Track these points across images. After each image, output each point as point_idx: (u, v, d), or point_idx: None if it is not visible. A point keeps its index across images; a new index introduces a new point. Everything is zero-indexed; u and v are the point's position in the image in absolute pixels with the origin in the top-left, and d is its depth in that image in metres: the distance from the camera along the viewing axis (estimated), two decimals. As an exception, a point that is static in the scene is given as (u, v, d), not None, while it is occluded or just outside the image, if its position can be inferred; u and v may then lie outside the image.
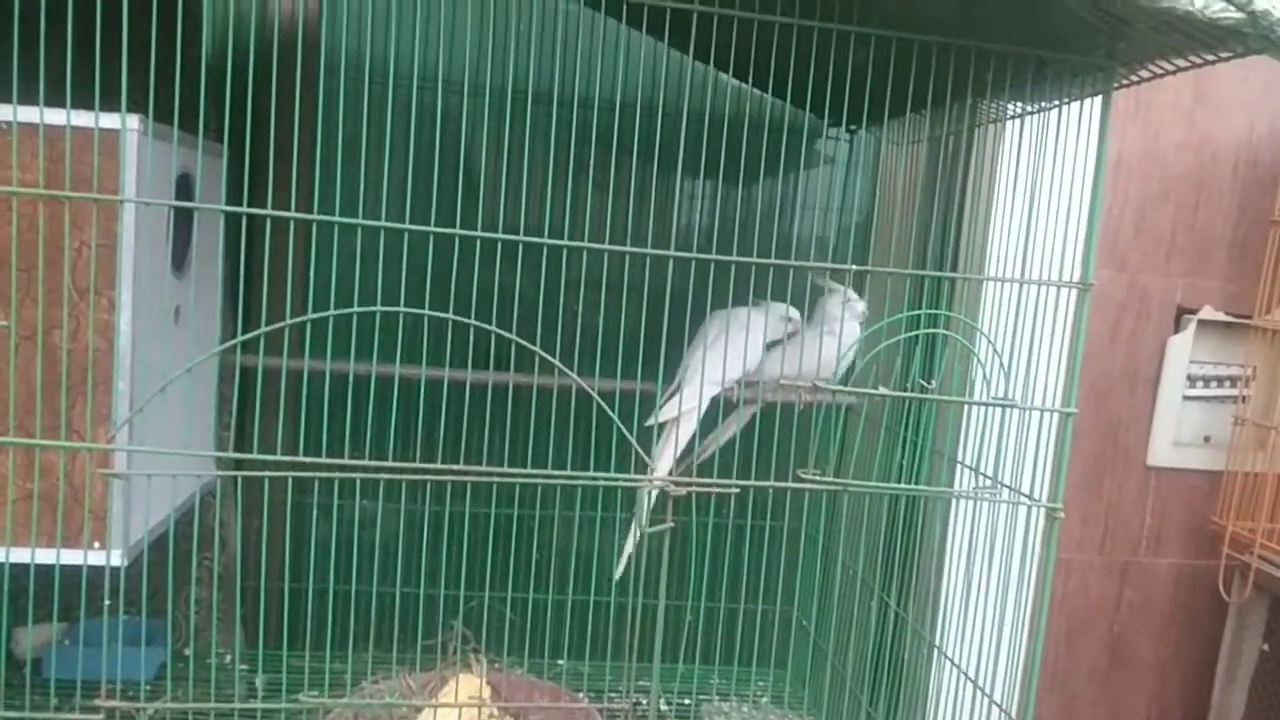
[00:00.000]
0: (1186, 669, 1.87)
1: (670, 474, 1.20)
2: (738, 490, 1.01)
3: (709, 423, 1.35)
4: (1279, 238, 1.67)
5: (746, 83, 1.46)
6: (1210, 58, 0.93)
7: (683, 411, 1.22)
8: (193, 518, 1.25)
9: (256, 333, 0.84)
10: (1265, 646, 1.75)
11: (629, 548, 1.23)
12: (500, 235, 0.91)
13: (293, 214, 0.87)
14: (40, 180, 0.90)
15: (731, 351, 1.20)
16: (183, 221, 1.09)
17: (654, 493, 1.01)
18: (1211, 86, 1.72)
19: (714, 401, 1.31)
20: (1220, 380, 1.81)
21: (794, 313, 1.34)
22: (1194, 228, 1.75)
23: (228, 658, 1.40)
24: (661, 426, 1.26)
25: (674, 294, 1.40)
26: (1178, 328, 1.77)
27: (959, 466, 1.23)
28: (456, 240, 0.93)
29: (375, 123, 1.28)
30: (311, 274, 0.93)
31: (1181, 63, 0.96)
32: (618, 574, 1.21)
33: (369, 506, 1.50)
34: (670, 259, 1.01)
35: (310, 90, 1.21)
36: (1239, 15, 0.82)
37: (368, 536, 1.50)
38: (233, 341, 0.86)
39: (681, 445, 1.23)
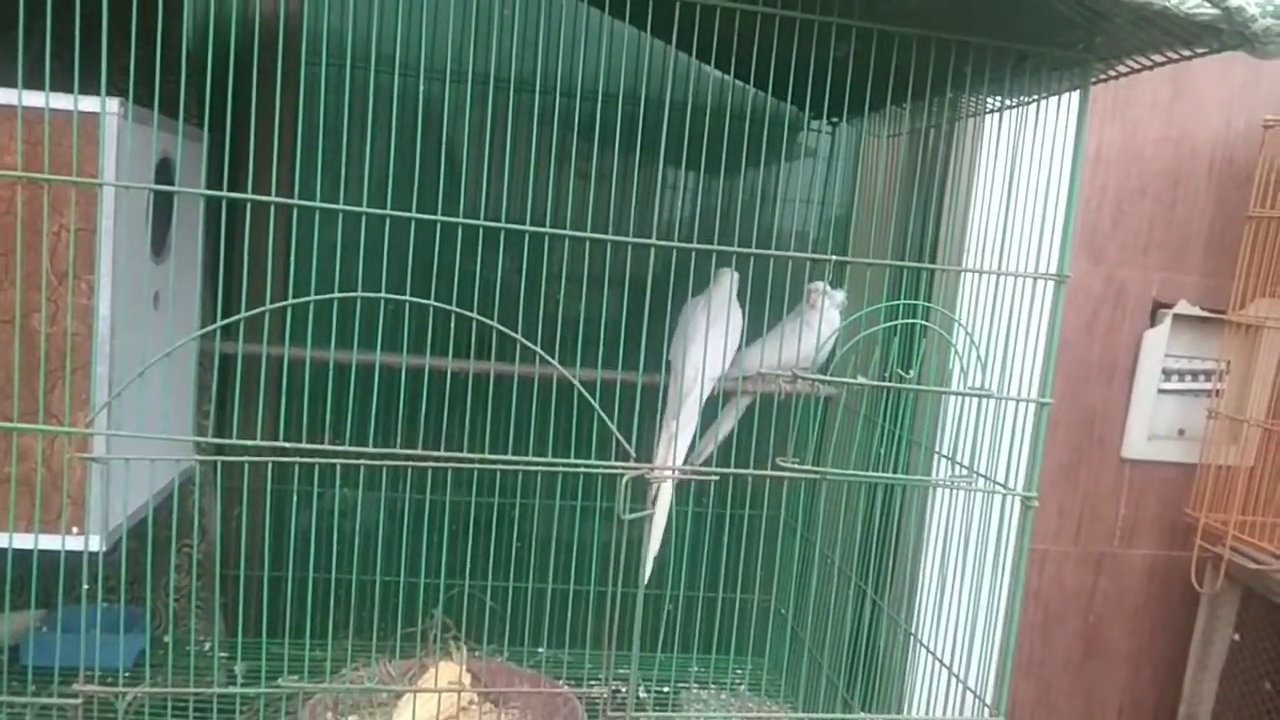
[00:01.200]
0: (1159, 658, 1.89)
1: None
2: (717, 478, 1.02)
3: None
4: (1254, 233, 1.69)
5: (729, 74, 1.47)
6: (1186, 53, 0.94)
7: (683, 418, 1.24)
8: (172, 504, 1.25)
9: (237, 318, 0.84)
10: (1236, 636, 1.78)
11: (653, 546, 1.23)
12: (482, 222, 0.91)
13: (272, 198, 0.87)
14: (19, 163, 0.89)
15: (721, 344, 1.21)
16: (162, 206, 1.09)
17: (631, 482, 1.01)
18: (1189, 83, 1.74)
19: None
20: (1195, 374, 1.83)
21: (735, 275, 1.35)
22: (1171, 222, 1.77)
23: (207, 645, 1.39)
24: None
25: (655, 283, 1.41)
26: (1154, 321, 1.79)
27: (936, 456, 1.25)
28: (438, 227, 0.93)
29: (357, 109, 1.28)
30: (292, 260, 0.93)
31: (1158, 58, 0.97)
32: (646, 575, 1.21)
33: (350, 494, 1.50)
34: (652, 248, 1.01)
35: (292, 76, 1.21)
36: (1214, 11, 0.83)
37: (348, 524, 1.50)
38: (212, 326, 0.85)
39: (684, 445, 1.25)
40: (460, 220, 0.90)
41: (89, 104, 0.91)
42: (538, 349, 0.93)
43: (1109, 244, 1.76)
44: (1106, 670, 1.89)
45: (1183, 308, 1.77)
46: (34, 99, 0.89)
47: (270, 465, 0.91)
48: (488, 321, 0.91)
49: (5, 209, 0.92)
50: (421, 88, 1.40)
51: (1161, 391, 1.81)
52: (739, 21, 0.98)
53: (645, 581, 1.19)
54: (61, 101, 0.90)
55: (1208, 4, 0.83)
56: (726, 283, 1.32)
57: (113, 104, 0.91)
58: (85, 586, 0.90)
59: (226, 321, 0.84)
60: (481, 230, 0.95)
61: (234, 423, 0.93)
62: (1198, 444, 1.78)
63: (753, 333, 1.36)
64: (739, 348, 1.34)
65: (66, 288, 0.94)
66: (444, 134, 1.50)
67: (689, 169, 1.63)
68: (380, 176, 1.27)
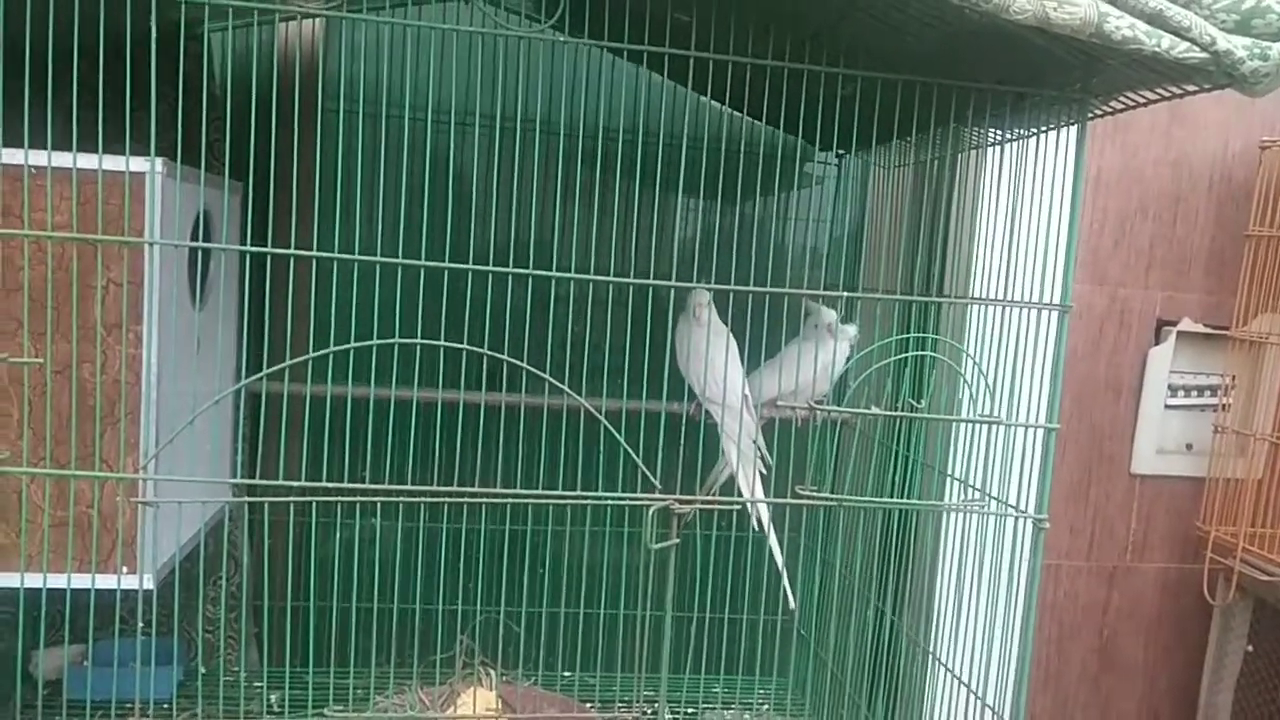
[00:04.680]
0: (1174, 670, 1.92)
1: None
2: (738, 507, 1.06)
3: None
4: (1254, 251, 1.73)
5: (739, 110, 1.51)
6: (1178, 91, 0.98)
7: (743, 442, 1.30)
8: (219, 540, 1.29)
9: (281, 366, 0.88)
10: (1249, 647, 1.80)
11: (780, 561, 1.32)
12: (510, 270, 0.96)
13: (313, 253, 0.91)
14: (74, 223, 0.94)
15: (740, 365, 1.27)
16: (203, 255, 1.14)
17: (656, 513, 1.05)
18: (1187, 106, 1.76)
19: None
20: (1201, 390, 1.86)
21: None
22: (1172, 242, 1.81)
23: (243, 675, 1.43)
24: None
25: (673, 314, 1.45)
26: (1158, 339, 1.82)
27: (949, 480, 1.28)
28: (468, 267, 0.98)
29: (381, 157, 1.33)
30: (332, 300, 0.97)
31: (1151, 95, 1.02)
32: (795, 603, 1.31)
33: (385, 526, 1.54)
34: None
35: (318, 126, 1.25)
36: (1203, 55, 0.87)
37: (382, 556, 1.54)
38: (259, 375, 0.90)
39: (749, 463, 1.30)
40: (489, 269, 0.95)
41: (136, 165, 0.96)
42: (565, 387, 0.97)
43: (1111, 264, 1.80)
44: (1122, 683, 1.91)
45: (1186, 325, 1.81)
46: (84, 162, 0.94)
47: (313, 503, 0.96)
48: (515, 362, 0.95)
49: (58, 265, 0.97)
50: (438, 132, 1.45)
51: (1168, 407, 1.85)
52: (749, 66, 1.03)
53: (795, 607, 1.31)
54: (110, 164, 0.95)
55: (1197, 49, 0.87)
56: (706, 301, 1.36)
57: (158, 163, 0.96)
58: (140, 623, 0.94)
59: (273, 369, 0.89)
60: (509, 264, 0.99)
61: (278, 461, 0.98)
62: (1206, 458, 1.81)
63: (759, 361, 1.40)
64: (755, 371, 1.38)
65: (116, 339, 0.98)
66: (470, 175, 1.55)
67: (701, 201, 1.68)
68: (407, 218, 1.32)
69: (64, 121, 0.90)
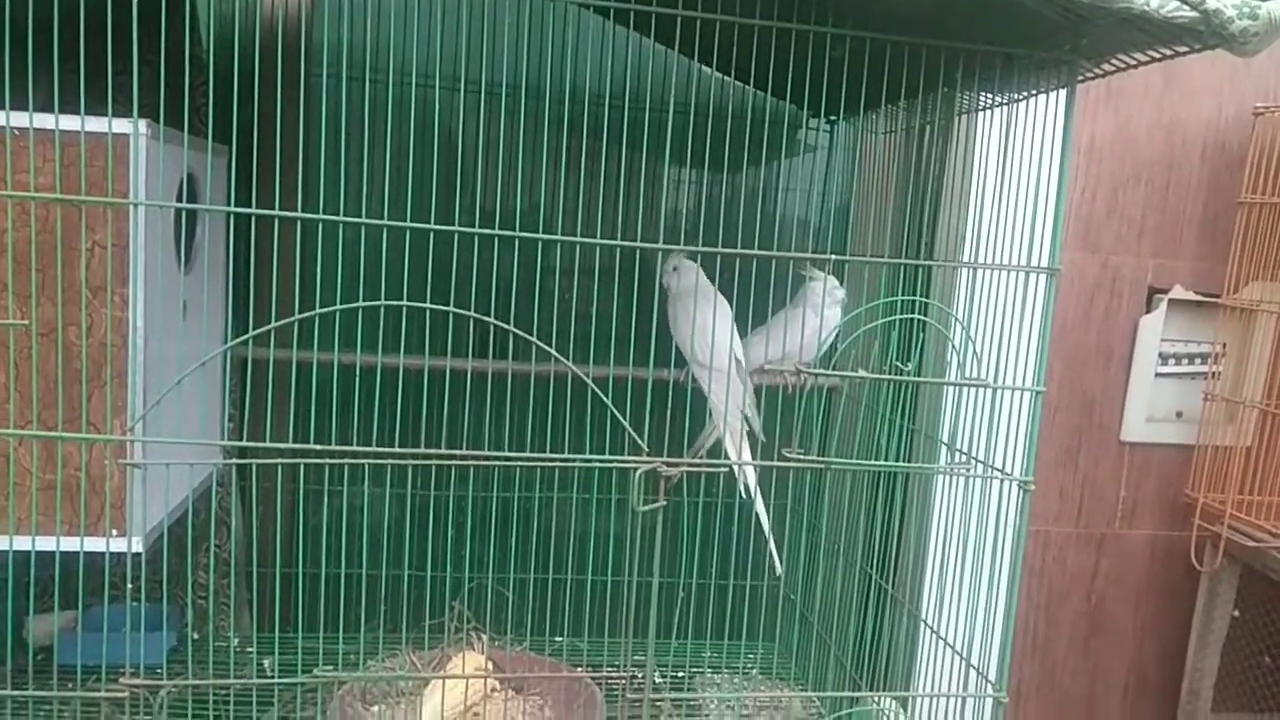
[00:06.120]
0: (1162, 636, 1.93)
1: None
2: (726, 469, 1.06)
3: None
4: (1246, 218, 1.73)
5: (729, 75, 1.50)
6: (1168, 52, 0.98)
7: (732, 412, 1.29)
8: (204, 505, 1.29)
9: (268, 327, 0.88)
10: (1236, 613, 1.82)
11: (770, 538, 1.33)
12: (496, 231, 0.95)
13: (299, 214, 0.91)
14: (57, 185, 0.93)
15: (730, 330, 1.27)
16: (188, 219, 1.13)
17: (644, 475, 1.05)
18: (1180, 72, 1.77)
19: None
20: (1191, 357, 1.87)
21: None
22: (1164, 209, 1.81)
23: (236, 640, 1.44)
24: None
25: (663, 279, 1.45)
26: (1149, 307, 1.83)
27: (938, 444, 1.29)
28: (455, 234, 0.97)
29: (370, 117, 1.32)
30: (318, 264, 0.96)
31: (1141, 57, 1.01)
32: (780, 569, 1.35)
33: (375, 493, 1.54)
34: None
35: (302, 87, 1.25)
36: (1192, 14, 0.87)
37: (373, 522, 1.55)
38: (244, 337, 0.90)
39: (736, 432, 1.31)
40: (476, 230, 0.95)
41: (120, 126, 0.95)
42: (553, 350, 0.97)
43: (1104, 231, 1.80)
44: (1110, 648, 1.93)
45: (1178, 293, 1.81)
46: (68, 123, 0.93)
47: (302, 466, 0.96)
48: (505, 326, 0.95)
49: (42, 228, 0.97)
50: (435, 95, 1.44)
51: (1159, 375, 1.85)
52: (737, 28, 1.02)
53: (781, 573, 1.34)
54: (93, 125, 0.94)
55: (1186, 7, 0.87)
56: (694, 269, 1.35)
57: (141, 125, 0.96)
58: (129, 585, 0.95)
59: (258, 331, 0.88)
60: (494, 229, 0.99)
61: (266, 426, 0.98)
62: (1195, 426, 1.82)
63: (752, 326, 1.40)
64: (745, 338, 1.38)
65: (102, 301, 0.98)
66: (460, 138, 1.54)
67: (692, 168, 1.67)
68: (394, 182, 1.31)
69: (46, 83, 0.89)
